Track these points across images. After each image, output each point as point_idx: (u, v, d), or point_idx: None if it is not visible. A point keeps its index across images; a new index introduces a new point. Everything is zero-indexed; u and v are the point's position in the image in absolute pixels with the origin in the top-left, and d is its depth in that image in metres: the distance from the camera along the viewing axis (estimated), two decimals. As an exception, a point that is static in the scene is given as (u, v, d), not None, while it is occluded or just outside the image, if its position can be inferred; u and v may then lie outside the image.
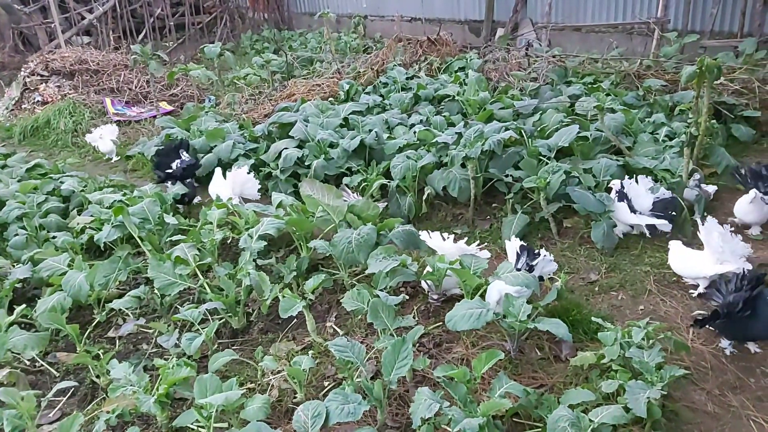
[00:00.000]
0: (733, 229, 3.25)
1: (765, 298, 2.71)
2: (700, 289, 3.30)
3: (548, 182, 3.98)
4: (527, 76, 6.63)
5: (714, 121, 4.80)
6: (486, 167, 4.46)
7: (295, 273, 3.60)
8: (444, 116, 5.62)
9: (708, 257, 3.21)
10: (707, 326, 2.85)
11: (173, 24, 12.34)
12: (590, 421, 2.20)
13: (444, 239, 3.34)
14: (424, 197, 4.48)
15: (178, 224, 4.16)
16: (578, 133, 4.51)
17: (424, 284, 3.33)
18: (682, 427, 2.47)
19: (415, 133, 5.17)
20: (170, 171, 5.09)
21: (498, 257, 3.79)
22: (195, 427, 2.50)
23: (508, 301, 2.76)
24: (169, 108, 8.18)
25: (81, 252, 4.04)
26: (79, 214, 4.50)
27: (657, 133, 4.95)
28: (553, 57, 6.98)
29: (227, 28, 13.05)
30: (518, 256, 3.19)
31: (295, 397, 2.75)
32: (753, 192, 3.74)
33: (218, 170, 4.85)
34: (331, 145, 5.19)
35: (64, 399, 2.95)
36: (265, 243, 3.62)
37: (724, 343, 2.89)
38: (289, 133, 5.47)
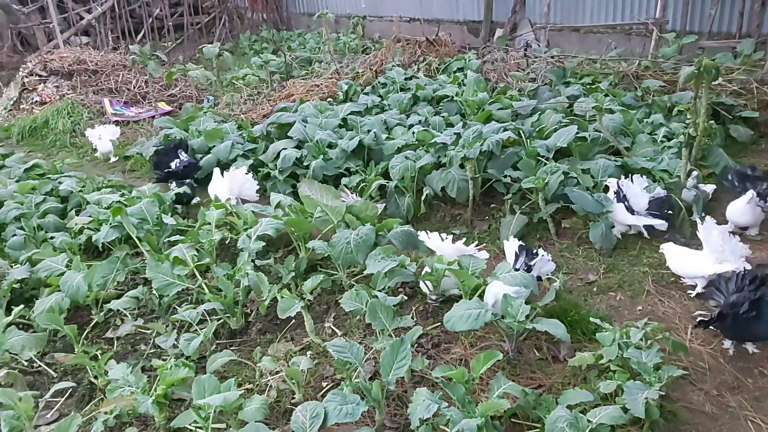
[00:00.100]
0: (731, 229, 3.25)
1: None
2: (699, 289, 3.29)
3: (547, 183, 3.98)
4: (526, 76, 6.63)
5: (712, 121, 4.81)
6: (484, 168, 4.46)
7: (293, 273, 3.60)
8: (443, 117, 5.63)
9: (707, 257, 3.21)
10: (710, 327, 2.85)
11: (172, 24, 12.35)
12: (588, 421, 2.20)
13: (442, 240, 3.34)
14: (423, 198, 4.48)
15: (176, 225, 4.17)
16: (577, 133, 4.51)
17: (422, 285, 3.33)
18: (680, 427, 2.47)
19: (413, 133, 5.17)
20: (170, 170, 5.07)
21: (496, 257, 3.79)
22: (193, 428, 2.50)
23: (507, 302, 2.76)
24: (168, 108, 8.17)
25: (79, 252, 4.03)
26: (78, 215, 4.49)
27: (655, 134, 4.96)
28: (552, 57, 6.99)
29: (226, 29, 13.05)
30: (516, 257, 3.19)
31: (293, 398, 2.75)
32: (750, 193, 3.70)
33: (217, 171, 4.83)
34: (330, 146, 5.19)
35: (62, 400, 2.95)
36: (264, 243, 3.62)
37: (727, 343, 2.89)
38: (288, 134, 5.46)
